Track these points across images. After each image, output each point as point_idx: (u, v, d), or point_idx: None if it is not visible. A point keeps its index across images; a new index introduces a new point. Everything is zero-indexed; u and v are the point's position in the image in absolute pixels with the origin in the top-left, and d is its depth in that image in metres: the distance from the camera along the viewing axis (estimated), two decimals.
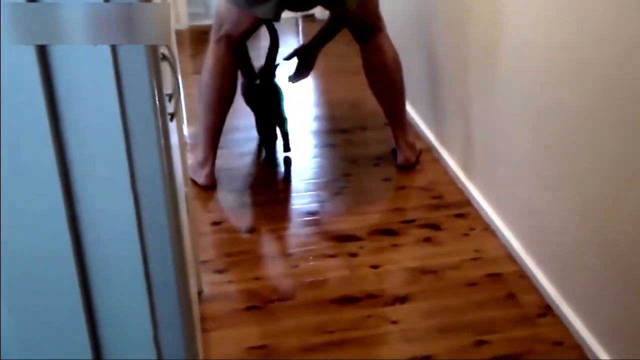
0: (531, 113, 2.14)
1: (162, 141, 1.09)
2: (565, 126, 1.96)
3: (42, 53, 0.98)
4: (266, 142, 3.08)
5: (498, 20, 2.31)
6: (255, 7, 2.60)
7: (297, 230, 2.60)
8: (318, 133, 3.34)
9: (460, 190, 2.74)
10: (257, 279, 2.30)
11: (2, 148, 1.01)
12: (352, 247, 2.43)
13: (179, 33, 4.44)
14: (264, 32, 2.89)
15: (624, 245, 1.74)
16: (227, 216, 2.69)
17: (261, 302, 2.18)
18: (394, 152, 2.98)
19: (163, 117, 1.12)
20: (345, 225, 2.56)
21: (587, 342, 1.92)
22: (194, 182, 2.78)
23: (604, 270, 1.84)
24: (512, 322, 2.07)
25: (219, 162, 2.86)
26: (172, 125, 1.36)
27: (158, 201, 1.11)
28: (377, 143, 3.13)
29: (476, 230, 2.51)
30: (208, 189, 2.80)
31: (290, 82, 3.12)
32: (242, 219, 2.66)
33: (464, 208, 2.64)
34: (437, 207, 2.65)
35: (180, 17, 4.65)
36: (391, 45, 2.86)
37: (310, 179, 2.91)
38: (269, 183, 2.92)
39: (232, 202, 2.77)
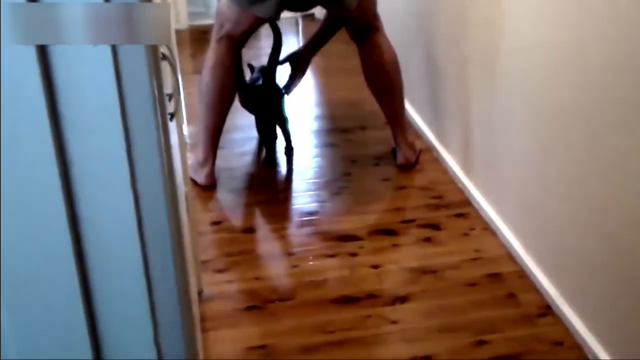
0: (531, 113, 2.14)
1: (162, 141, 1.09)
2: (565, 126, 1.96)
3: (42, 53, 0.98)
4: (266, 142, 3.08)
5: (498, 20, 2.31)
6: (256, 6, 2.61)
7: (297, 230, 2.60)
8: (318, 133, 3.34)
9: (460, 190, 2.74)
10: (257, 278, 2.30)
11: (2, 148, 1.01)
12: (352, 247, 2.44)
13: (179, 33, 4.44)
14: (263, 32, 2.89)
15: (624, 245, 1.74)
16: (227, 216, 2.69)
17: (261, 302, 2.18)
18: (393, 152, 2.99)
19: (163, 117, 1.12)
20: (345, 225, 2.56)
21: (587, 342, 1.92)
22: (194, 182, 2.79)
23: (604, 270, 1.84)
24: (512, 322, 2.07)
25: (218, 161, 2.86)
26: (172, 125, 1.36)
27: (158, 201, 1.11)
28: (377, 143, 3.14)
29: (476, 230, 2.51)
30: (208, 188, 2.80)
31: (286, 95, 3.11)
32: (242, 219, 2.66)
33: (464, 208, 2.64)
34: (437, 207, 2.65)
35: (180, 16, 4.65)
36: (389, 45, 2.86)
37: (310, 179, 2.91)
38: (268, 183, 2.92)
39: (232, 202, 2.77)
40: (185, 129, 2.29)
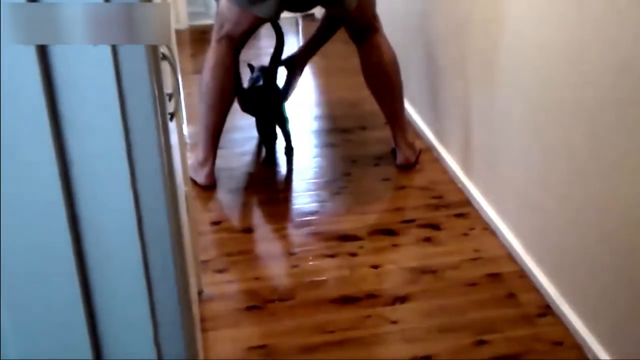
0: (531, 112, 2.14)
1: (162, 141, 1.09)
2: (565, 126, 1.96)
3: (42, 53, 0.98)
4: (266, 142, 3.08)
5: (498, 20, 2.31)
6: (255, 6, 2.61)
7: (297, 230, 2.59)
8: (318, 133, 3.34)
9: (460, 190, 2.74)
10: (257, 278, 2.30)
11: (2, 148, 1.01)
12: (352, 247, 2.44)
13: (179, 32, 4.44)
14: (264, 32, 2.89)
15: (624, 245, 1.74)
16: (227, 216, 2.69)
17: (261, 302, 2.18)
18: (393, 152, 2.99)
19: (163, 117, 1.12)
20: (345, 225, 2.56)
21: (587, 342, 1.92)
22: (194, 182, 2.79)
23: (604, 270, 1.84)
24: (512, 322, 2.07)
25: (218, 161, 2.86)
26: (172, 125, 1.36)
27: (158, 201, 1.11)
28: (377, 143, 3.14)
29: (476, 230, 2.51)
30: (208, 188, 2.81)
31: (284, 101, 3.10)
32: (242, 219, 2.66)
33: (464, 208, 2.64)
34: (436, 207, 2.65)
35: (180, 16, 4.65)
36: (389, 45, 2.86)
37: (310, 179, 2.91)
38: (268, 183, 2.92)
39: (232, 202, 2.77)
40: (185, 129, 2.29)
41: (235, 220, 2.66)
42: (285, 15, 2.77)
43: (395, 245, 2.47)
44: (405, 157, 2.93)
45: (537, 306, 2.12)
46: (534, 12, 2.07)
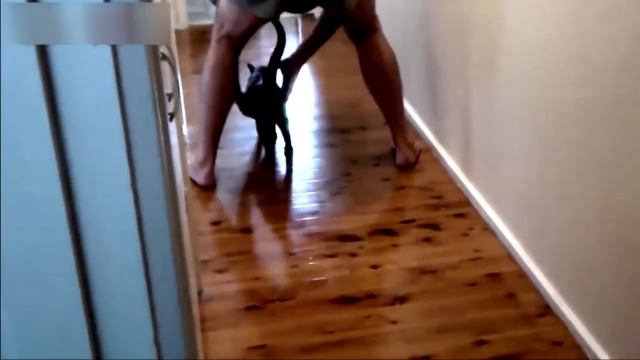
0: (531, 112, 2.14)
1: (162, 141, 1.09)
2: (565, 126, 1.96)
3: (42, 53, 0.98)
4: (266, 142, 3.08)
5: (497, 20, 2.31)
6: (255, 6, 2.61)
7: (296, 230, 2.59)
8: (317, 133, 3.34)
9: (460, 190, 2.74)
10: (256, 278, 2.30)
11: (2, 148, 1.01)
12: (351, 247, 2.44)
13: (178, 33, 4.44)
14: (263, 32, 2.89)
15: (624, 245, 1.74)
16: (227, 216, 2.69)
17: (261, 302, 2.18)
18: (393, 152, 2.99)
19: (163, 117, 1.12)
20: (344, 225, 2.56)
21: (586, 342, 1.92)
22: (194, 182, 2.79)
23: (603, 270, 1.84)
24: (512, 322, 2.07)
25: (218, 161, 2.86)
26: (172, 125, 1.36)
27: (158, 201, 1.11)
28: (376, 143, 3.14)
29: (476, 230, 2.51)
30: (208, 188, 2.80)
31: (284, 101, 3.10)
32: (241, 219, 2.66)
33: (464, 208, 2.64)
34: (436, 207, 2.65)
35: (180, 16, 4.65)
36: (388, 45, 2.87)
37: (310, 179, 2.91)
38: (268, 183, 2.92)
39: (231, 202, 2.77)
40: (185, 129, 2.29)
41: (235, 220, 2.66)
42: (284, 15, 2.77)
43: (395, 246, 2.47)
44: (405, 157, 2.93)
45: (536, 306, 2.12)
46: (534, 12, 2.07)
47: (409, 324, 2.08)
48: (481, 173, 2.61)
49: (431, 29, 2.99)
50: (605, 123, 1.76)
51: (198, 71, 2.93)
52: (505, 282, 2.23)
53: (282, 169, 3.01)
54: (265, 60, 2.97)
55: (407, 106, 3.26)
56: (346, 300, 2.18)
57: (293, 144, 3.05)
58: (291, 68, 3.09)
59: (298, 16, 4.60)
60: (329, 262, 2.37)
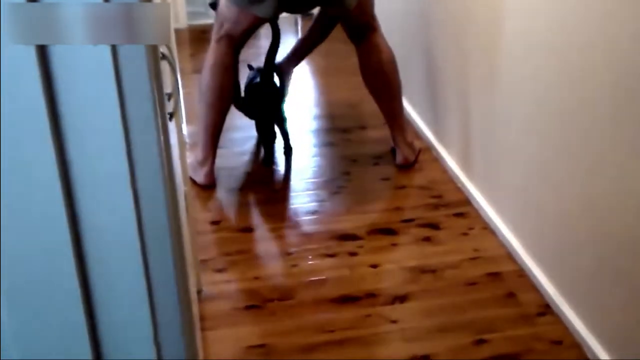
0: (531, 112, 2.14)
1: (162, 140, 1.09)
2: (565, 125, 1.96)
3: (42, 53, 0.98)
4: (265, 141, 3.08)
5: (498, 19, 2.31)
6: (255, 6, 2.61)
7: (296, 229, 2.60)
8: (317, 132, 3.34)
9: (460, 190, 2.74)
10: (256, 278, 2.30)
11: (2, 148, 1.01)
12: (351, 246, 2.44)
13: (178, 32, 4.44)
14: (263, 32, 2.89)
15: (624, 245, 1.74)
16: (227, 215, 2.69)
17: (260, 302, 2.18)
18: (393, 151, 2.99)
19: (163, 117, 1.12)
20: (344, 224, 2.56)
21: (586, 341, 1.92)
22: (193, 181, 2.79)
23: (603, 270, 1.84)
24: (512, 321, 2.07)
25: (218, 161, 2.86)
26: (172, 125, 1.36)
27: (158, 200, 1.11)
28: (376, 142, 3.14)
29: (475, 229, 2.51)
30: (207, 188, 2.80)
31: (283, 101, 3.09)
32: (241, 218, 2.66)
33: (463, 207, 2.64)
34: (436, 207, 2.65)
35: (180, 16, 4.65)
36: (387, 45, 2.87)
37: (310, 178, 2.91)
38: (268, 182, 2.92)
39: (231, 201, 2.77)
40: (185, 129, 2.29)
41: (234, 220, 2.66)
42: (285, 14, 2.77)
43: (394, 245, 2.47)
44: (405, 156, 2.93)
45: (536, 305, 2.12)
46: (534, 11, 2.07)
47: (409, 324, 2.08)
48: (481, 172, 2.61)
49: (431, 29, 2.99)
50: (606, 123, 1.76)
51: (198, 71, 2.93)
52: (505, 282, 2.23)
53: (281, 168, 3.01)
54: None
55: (407, 106, 3.26)
56: (346, 300, 2.18)
57: (292, 143, 3.05)
58: (286, 68, 3.09)
59: (298, 16, 4.59)
60: (329, 261, 2.37)
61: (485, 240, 2.44)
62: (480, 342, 2.00)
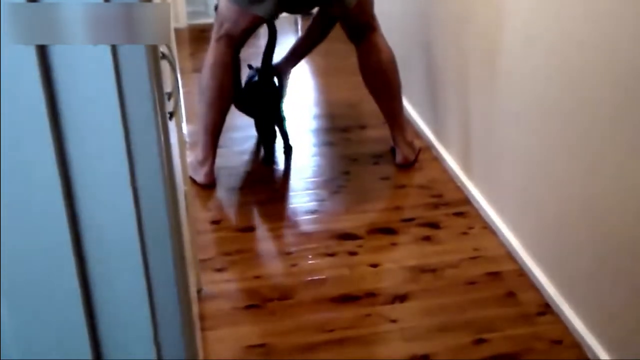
0: (531, 111, 2.14)
1: (162, 140, 1.09)
2: (565, 125, 1.96)
3: (42, 53, 0.98)
4: (265, 141, 3.08)
5: (498, 19, 2.31)
6: (254, 5, 2.61)
7: (296, 228, 2.60)
8: (317, 132, 3.34)
9: (460, 189, 2.74)
10: (256, 277, 2.30)
11: (2, 148, 1.01)
12: (351, 245, 2.44)
13: (178, 31, 4.44)
14: (263, 31, 2.89)
15: (624, 245, 1.74)
16: (226, 215, 2.69)
17: (260, 301, 2.18)
18: (393, 151, 2.99)
19: (163, 116, 1.12)
20: (344, 223, 2.56)
21: (586, 341, 1.92)
22: (193, 181, 2.79)
23: (603, 269, 1.84)
24: (512, 321, 2.07)
25: (218, 160, 2.86)
26: (172, 124, 1.36)
27: (158, 200, 1.11)
28: (376, 141, 3.14)
29: (475, 228, 2.51)
30: (207, 187, 2.80)
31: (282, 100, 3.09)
32: (241, 218, 2.66)
33: (463, 207, 2.64)
34: (436, 206, 2.65)
35: (180, 15, 4.65)
36: (386, 44, 2.87)
37: (309, 178, 2.91)
38: (268, 181, 2.92)
39: (231, 201, 2.77)
40: (185, 128, 2.29)
41: (234, 219, 2.66)
42: (285, 14, 2.77)
43: (394, 244, 2.47)
44: (405, 155, 2.93)
45: (536, 305, 2.12)
46: (534, 11, 2.07)
47: (409, 323, 2.08)
48: (481, 172, 2.61)
49: (431, 28, 2.99)
50: (606, 122, 1.76)
51: (197, 70, 2.93)
52: (505, 281, 2.23)
53: (281, 167, 3.01)
54: None
55: (407, 105, 3.26)
56: (346, 299, 2.18)
57: (292, 143, 3.05)
58: (284, 68, 3.09)
59: (298, 16, 4.59)
60: (329, 260, 2.37)
61: (485, 239, 2.44)
62: (480, 341, 2.00)
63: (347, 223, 2.56)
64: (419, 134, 3.17)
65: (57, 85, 1.00)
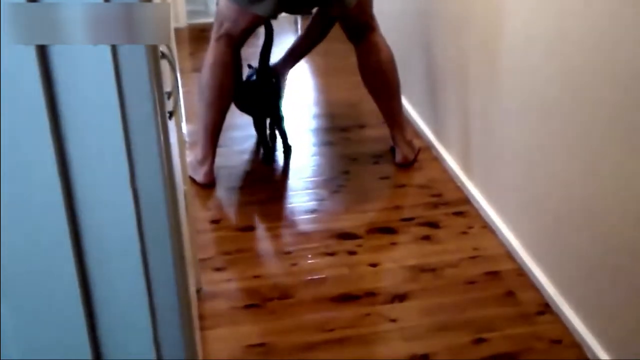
0: (531, 111, 2.14)
1: (162, 140, 1.09)
2: (565, 124, 1.96)
3: (42, 53, 0.98)
4: (264, 141, 3.08)
5: (497, 19, 2.31)
6: (254, 5, 2.61)
7: (295, 228, 2.60)
8: (317, 131, 3.34)
9: (459, 189, 2.74)
10: (256, 277, 2.30)
11: (2, 148, 1.01)
12: (350, 245, 2.44)
13: (178, 31, 4.44)
14: (263, 31, 2.89)
15: (624, 244, 1.75)
16: (226, 214, 2.69)
17: (260, 300, 2.18)
18: (392, 150, 2.99)
19: (162, 116, 1.12)
20: (344, 223, 2.56)
21: (586, 341, 1.92)
22: (193, 180, 2.78)
23: (603, 269, 1.85)
24: (511, 320, 2.07)
25: (217, 160, 2.86)
26: (171, 124, 1.36)
27: (158, 199, 1.11)
28: (375, 141, 3.14)
29: (475, 228, 2.51)
30: (207, 187, 2.80)
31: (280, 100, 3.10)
32: (240, 217, 2.66)
33: (463, 206, 2.64)
34: (436, 205, 2.66)
35: (180, 15, 4.65)
36: (386, 44, 2.87)
37: (309, 177, 2.91)
38: (267, 181, 2.92)
39: (230, 200, 2.77)
40: (184, 127, 2.29)
41: (234, 219, 2.66)
42: (284, 14, 2.77)
43: (394, 244, 2.47)
44: (404, 155, 2.93)
45: (536, 304, 2.12)
46: (534, 10, 2.07)
47: (408, 322, 2.08)
48: (481, 171, 2.61)
49: (430, 28, 2.99)
50: (606, 122, 1.76)
51: (197, 69, 2.93)
52: (505, 281, 2.23)
53: (281, 167, 3.01)
54: None
55: (407, 105, 3.26)
56: (345, 299, 2.18)
57: (291, 142, 3.05)
58: (282, 68, 3.09)
59: (298, 15, 4.59)
60: (328, 260, 2.37)
61: (485, 239, 2.44)
62: (479, 341, 2.00)
63: (347, 222, 2.56)
64: (418, 134, 3.17)
65: (57, 86, 1.00)
